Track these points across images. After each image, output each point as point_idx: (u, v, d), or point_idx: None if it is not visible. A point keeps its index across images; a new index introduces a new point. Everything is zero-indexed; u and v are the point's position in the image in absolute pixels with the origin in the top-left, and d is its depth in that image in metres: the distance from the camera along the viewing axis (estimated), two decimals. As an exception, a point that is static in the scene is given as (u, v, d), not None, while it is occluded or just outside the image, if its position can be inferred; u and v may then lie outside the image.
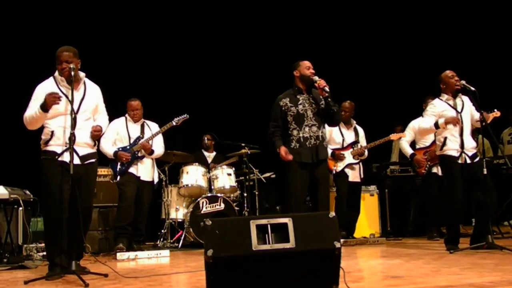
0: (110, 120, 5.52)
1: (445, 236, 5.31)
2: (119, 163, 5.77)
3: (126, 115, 6.05)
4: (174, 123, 5.96)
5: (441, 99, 5.07)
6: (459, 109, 4.99)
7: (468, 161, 4.91)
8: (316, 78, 4.85)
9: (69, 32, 7.51)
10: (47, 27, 7.74)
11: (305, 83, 4.95)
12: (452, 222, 5.06)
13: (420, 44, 9.48)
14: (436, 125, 4.92)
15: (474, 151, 4.98)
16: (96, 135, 4.14)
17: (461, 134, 4.94)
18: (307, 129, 4.89)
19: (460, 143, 4.93)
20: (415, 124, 6.53)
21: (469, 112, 5.03)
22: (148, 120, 6.17)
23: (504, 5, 9.05)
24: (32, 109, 3.97)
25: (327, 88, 4.72)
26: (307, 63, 5.01)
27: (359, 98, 6.94)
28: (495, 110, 5.07)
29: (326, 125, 5.04)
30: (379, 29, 9.61)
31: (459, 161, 4.91)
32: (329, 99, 4.76)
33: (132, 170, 5.80)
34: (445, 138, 4.97)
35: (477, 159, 4.98)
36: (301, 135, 4.88)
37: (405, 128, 6.95)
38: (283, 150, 4.81)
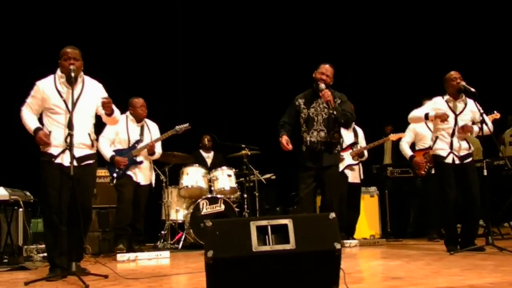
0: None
1: (445, 237, 5.32)
2: (116, 168, 5.73)
3: (127, 113, 5.90)
4: (175, 132, 5.88)
5: (442, 98, 5.09)
6: (458, 111, 4.99)
7: (457, 161, 4.92)
8: (322, 86, 4.83)
9: (68, 31, 7.52)
10: (47, 27, 7.74)
11: (316, 86, 4.97)
12: (447, 223, 5.07)
13: (419, 45, 9.49)
14: (427, 116, 4.97)
15: (466, 152, 4.98)
16: (108, 106, 4.01)
17: (451, 135, 4.96)
18: (315, 133, 4.95)
19: (449, 144, 4.95)
20: (416, 125, 6.53)
21: (469, 116, 5.02)
22: (147, 119, 6.06)
23: (504, 5, 9.05)
24: (30, 118, 4.01)
25: (329, 102, 4.73)
26: (323, 68, 5.01)
27: (358, 99, 6.94)
28: (495, 111, 5.07)
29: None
30: (377, 31, 9.62)
31: (446, 161, 4.93)
32: (333, 112, 4.77)
33: (130, 173, 5.74)
34: (436, 138, 5.02)
35: (469, 160, 4.98)
36: (308, 138, 4.94)
37: (395, 128, 6.95)
38: (284, 139, 4.87)
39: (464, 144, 4.99)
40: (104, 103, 4.01)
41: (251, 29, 9.27)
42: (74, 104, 3.92)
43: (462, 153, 4.96)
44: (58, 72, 4.07)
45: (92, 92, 4.14)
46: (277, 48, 9.28)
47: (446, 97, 5.06)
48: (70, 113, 3.89)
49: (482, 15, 9.31)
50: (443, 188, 4.96)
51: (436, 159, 5.04)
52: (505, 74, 8.90)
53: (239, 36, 9.24)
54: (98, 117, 4.27)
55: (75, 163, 3.92)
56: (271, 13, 9.44)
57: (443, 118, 4.87)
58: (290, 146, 4.85)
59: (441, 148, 4.99)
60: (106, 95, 4.19)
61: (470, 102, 5.03)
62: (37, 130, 3.96)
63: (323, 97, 4.78)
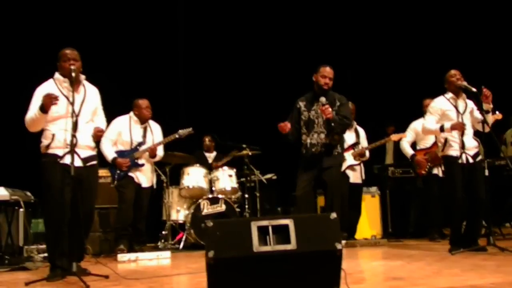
0: (113, 118, 5.52)
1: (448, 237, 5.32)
2: (117, 169, 5.69)
3: (131, 114, 5.87)
4: (177, 136, 5.87)
5: (445, 97, 5.07)
6: (461, 109, 4.98)
7: (470, 160, 4.91)
8: (323, 100, 4.78)
9: (69, 33, 7.52)
10: (47, 28, 7.74)
11: (318, 90, 4.95)
12: (453, 223, 5.05)
13: (421, 45, 9.48)
14: (442, 128, 4.92)
15: (476, 150, 4.97)
16: (99, 136, 4.14)
17: (461, 135, 4.94)
18: (315, 135, 4.93)
19: (461, 144, 4.93)
20: (417, 125, 6.52)
21: (472, 114, 5.01)
22: (150, 120, 6.01)
23: (505, 5, 9.04)
24: (32, 112, 3.95)
25: (329, 117, 4.70)
26: (324, 71, 4.95)
27: (359, 99, 6.94)
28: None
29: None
30: (379, 31, 9.61)
31: (459, 161, 4.90)
32: (331, 123, 4.75)
33: (131, 175, 5.71)
34: (446, 139, 4.98)
35: (479, 158, 4.96)
36: (308, 141, 4.92)
37: (397, 128, 6.93)
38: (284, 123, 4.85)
39: (474, 142, 4.96)
40: (97, 132, 4.08)
41: (251, 29, 9.26)
42: (79, 107, 3.98)
43: (473, 151, 4.94)
44: (58, 76, 4.07)
45: (92, 97, 4.20)
46: (278, 48, 9.28)
47: (449, 95, 5.04)
48: (76, 116, 3.90)
49: (484, 15, 9.30)
50: (452, 189, 4.91)
51: (448, 159, 4.97)
52: (506, 75, 8.89)
53: (240, 36, 9.23)
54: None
55: (81, 164, 3.98)
56: (271, 13, 9.43)
57: (460, 128, 4.83)
58: (286, 128, 4.84)
59: (454, 149, 4.94)
60: (100, 101, 4.29)
61: (470, 102, 5.02)
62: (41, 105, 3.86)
63: (323, 113, 4.74)
